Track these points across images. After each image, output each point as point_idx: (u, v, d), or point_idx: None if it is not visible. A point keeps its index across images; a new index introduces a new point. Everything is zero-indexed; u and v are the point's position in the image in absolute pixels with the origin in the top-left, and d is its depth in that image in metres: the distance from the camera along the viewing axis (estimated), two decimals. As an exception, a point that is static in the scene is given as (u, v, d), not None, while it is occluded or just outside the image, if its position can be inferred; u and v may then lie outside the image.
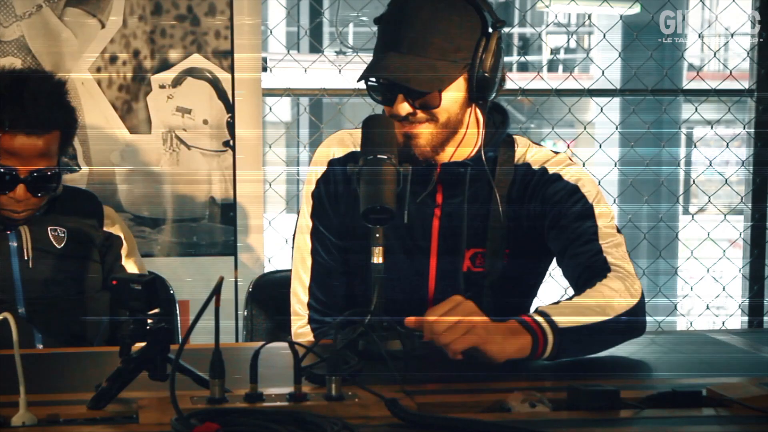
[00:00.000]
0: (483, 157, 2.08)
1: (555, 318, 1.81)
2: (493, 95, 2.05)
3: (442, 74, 1.96)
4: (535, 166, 2.11)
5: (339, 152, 2.15)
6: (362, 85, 2.03)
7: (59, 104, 2.35)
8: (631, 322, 1.93)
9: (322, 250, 2.14)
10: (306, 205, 2.17)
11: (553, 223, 2.08)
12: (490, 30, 2.01)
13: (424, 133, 2.00)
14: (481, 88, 2.00)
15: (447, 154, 2.07)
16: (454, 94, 1.99)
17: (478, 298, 2.00)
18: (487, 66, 1.99)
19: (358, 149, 2.10)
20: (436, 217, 2.09)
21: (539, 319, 1.80)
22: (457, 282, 2.08)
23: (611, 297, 1.90)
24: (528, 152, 2.13)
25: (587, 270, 2.00)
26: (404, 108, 1.98)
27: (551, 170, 2.10)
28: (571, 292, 2.04)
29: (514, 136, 2.16)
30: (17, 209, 2.34)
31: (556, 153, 2.14)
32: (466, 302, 1.77)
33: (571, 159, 2.15)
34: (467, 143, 2.09)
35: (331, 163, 2.15)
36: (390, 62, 1.95)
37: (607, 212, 2.07)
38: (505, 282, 2.09)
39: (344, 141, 2.16)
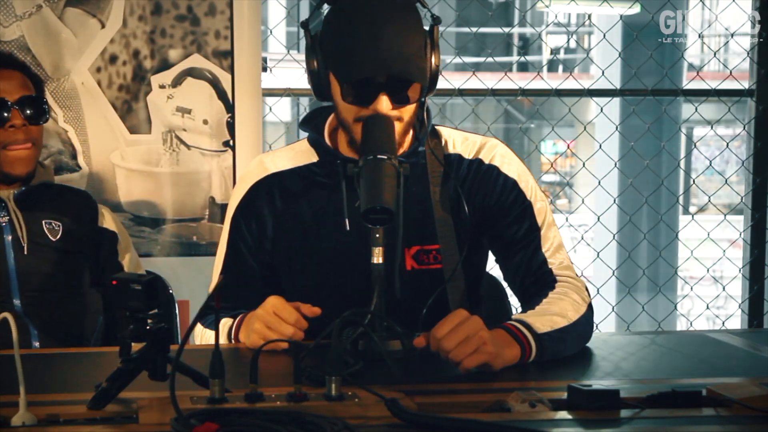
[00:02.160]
0: (430, 149, 2.06)
1: (532, 325, 1.84)
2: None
3: (423, 66, 1.95)
4: (469, 156, 2.10)
5: (255, 176, 2.13)
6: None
7: (17, 58, 2.61)
8: (586, 325, 1.97)
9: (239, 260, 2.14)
10: (227, 228, 2.16)
11: (492, 221, 2.08)
12: (427, 27, 2.00)
13: (396, 130, 1.97)
14: (432, 83, 2.00)
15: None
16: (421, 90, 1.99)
17: (424, 295, 1.99)
18: (437, 61, 1.99)
19: (278, 170, 2.11)
20: None
21: (523, 329, 1.83)
22: (401, 281, 2.01)
23: (566, 303, 1.95)
24: (455, 141, 2.12)
25: (534, 283, 2.04)
26: (386, 105, 1.94)
27: (486, 160, 2.09)
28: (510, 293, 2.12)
29: (436, 127, 2.14)
30: (18, 139, 2.40)
31: (482, 137, 2.13)
32: (474, 317, 1.76)
33: (498, 139, 2.15)
34: (408, 141, 2.08)
35: (251, 190, 2.13)
36: (379, 58, 1.91)
37: (544, 207, 2.09)
38: (459, 275, 2.07)
39: (261, 166, 2.15)
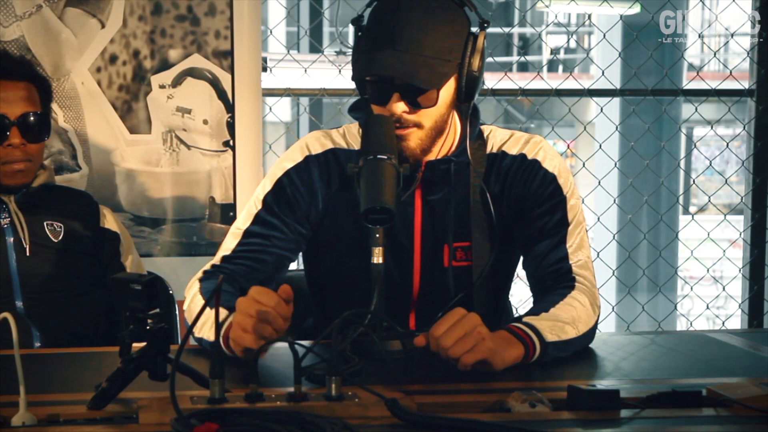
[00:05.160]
0: (468, 151, 2.08)
1: (542, 332, 1.84)
2: (477, 95, 2.05)
3: (441, 72, 1.96)
4: (513, 152, 2.12)
5: (318, 148, 2.12)
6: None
7: (29, 64, 2.53)
8: (592, 335, 1.99)
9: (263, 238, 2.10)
10: (269, 186, 2.11)
11: (526, 210, 2.10)
12: (476, 30, 2.01)
13: (415, 134, 1.99)
14: (470, 87, 2.00)
15: (433, 155, 2.07)
16: (446, 93, 1.99)
17: (458, 292, 2.01)
18: (476, 66, 1.99)
19: (339, 146, 2.12)
20: (418, 214, 2.09)
21: (530, 332, 1.83)
22: (441, 277, 2.07)
23: (581, 312, 1.94)
24: (499, 138, 2.14)
25: (551, 275, 2.05)
26: (399, 107, 1.96)
27: (530, 155, 2.11)
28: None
29: (482, 127, 2.16)
30: (16, 157, 2.38)
31: (527, 134, 2.16)
32: (471, 314, 1.76)
33: (543, 139, 2.17)
34: (449, 142, 2.10)
35: (308, 158, 2.11)
36: (389, 59, 1.93)
37: (577, 205, 2.11)
38: (489, 274, 2.09)
39: (321, 139, 2.14)
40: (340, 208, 2.11)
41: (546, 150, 2.12)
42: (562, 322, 1.88)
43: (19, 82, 2.40)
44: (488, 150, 2.13)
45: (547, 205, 2.08)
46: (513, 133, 2.16)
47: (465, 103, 2.06)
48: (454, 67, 1.97)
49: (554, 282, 2.03)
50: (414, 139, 1.99)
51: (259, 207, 2.10)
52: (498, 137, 2.15)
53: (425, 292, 2.10)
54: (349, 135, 2.14)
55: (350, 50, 2.24)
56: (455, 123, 2.11)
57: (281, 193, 2.10)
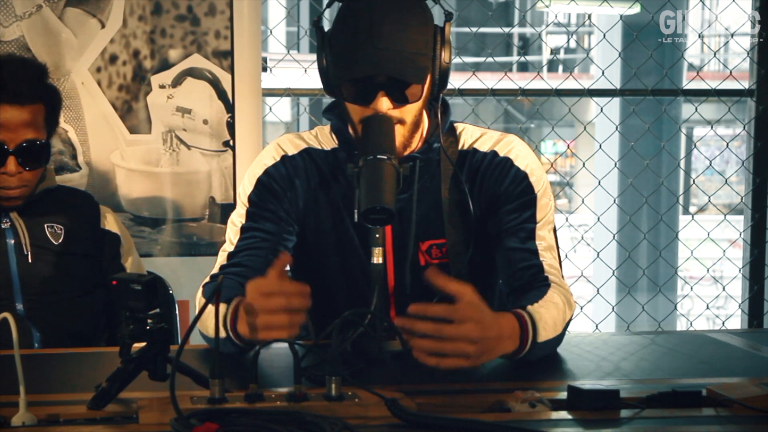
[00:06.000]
0: (442, 145, 2.07)
1: (539, 333, 1.80)
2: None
3: (423, 66, 1.95)
4: (484, 149, 2.11)
5: (291, 149, 2.13)
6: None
7: (41, 80, 2.40)
8: (563, 336, 1.94)
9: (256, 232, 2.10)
10: (250, 187, 2.12)
11: (496, 208, 2.09)
12: (439, 23, 2.00)
13: (398, 131, 1.98)
14: (443, 80, 2.00)
15: (408, 150, 2.06)
16: (425, 87, 1.99)
17: (436, 291, 2.00)
18: (447, 58, 1.99)
19: (311, 146, 2.13)
20: None
21: (530, 330, 1.80)
22: (414, 277, 2.04)
23: (560, 312, 1.90)
24: (471, 136, 2.13)
25: (524, 274, 2.02)
26: (385, 104, 1.95)
27: (502, 153, 2.10)
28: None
29: (455, 124, 2.15)
30: (11, 185, 2.35)
31: (500, 132, 2.15)
32: (482, 315, 1.70)
33: (518, 137, 2.16)
34: (420, 137, 2.09)
35: (284, 158, 2.12)
36: (374, 57, 1.91)
37: (548, 204, 2.09)
38: (468, 271, 2.07)
39: (294, 141, 2.15)
40: (320, 206, 2.11)
41: (518, 148, 2.11)
42: (553, 322, 1.86)
43: (24, 106, 2.32)
44: (459, 147, 2.12)
45: (517, 203, 2.07)
46: (486, 131, 2.15)
47: (435, 97, 2.05)
48: (430, 59, 1.97)
49: (528, 281, 2.01)
50: (398, 136, 1.99)
51: (248, 206, 2.11)
52: (470, 134, 2.14)
53: (400, 290, 2.08)
54: (321, 135, 2.15)
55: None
56: (424, 118, 2.09)
57: (264, 189, 2.11)
